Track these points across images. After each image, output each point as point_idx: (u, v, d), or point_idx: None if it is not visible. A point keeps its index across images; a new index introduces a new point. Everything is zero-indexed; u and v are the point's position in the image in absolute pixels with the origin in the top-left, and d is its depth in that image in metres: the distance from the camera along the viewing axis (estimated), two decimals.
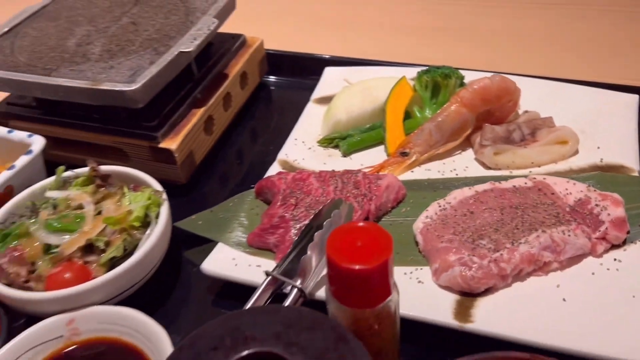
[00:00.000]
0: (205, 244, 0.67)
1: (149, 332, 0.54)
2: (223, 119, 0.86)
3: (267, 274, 0.58)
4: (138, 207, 0.63)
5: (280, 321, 0.44)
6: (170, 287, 0.67)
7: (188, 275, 0.68)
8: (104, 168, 0.69)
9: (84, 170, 0.69)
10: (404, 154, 0.74)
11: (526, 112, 0.79)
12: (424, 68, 0.83)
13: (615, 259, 0.60)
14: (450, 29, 1.12)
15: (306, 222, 0.63)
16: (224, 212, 0.70)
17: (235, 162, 0.85)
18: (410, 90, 0.81)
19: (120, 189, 0.67)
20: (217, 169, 0.83)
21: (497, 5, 1.18)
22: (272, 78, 1.01)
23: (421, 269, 0.61)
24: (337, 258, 0.43)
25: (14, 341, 0.55)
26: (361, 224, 0.47)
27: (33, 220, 0.62)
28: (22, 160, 0.70)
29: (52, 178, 0.69)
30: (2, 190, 0.68)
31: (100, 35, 0.80)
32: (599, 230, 0.60)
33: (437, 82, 0.80)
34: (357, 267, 0.42)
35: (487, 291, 0.58)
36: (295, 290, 0.55)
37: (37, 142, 0.73)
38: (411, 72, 0.85)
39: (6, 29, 0.83)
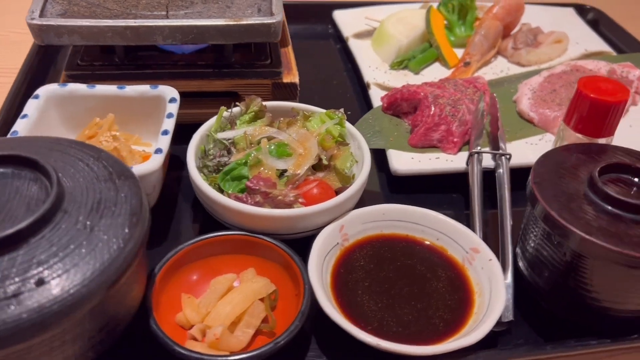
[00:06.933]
0: None
1: (416, 217, 0.61)
2: None
3: (472, 153, 0.69)
4: (332, 125, 0.67)
5: None
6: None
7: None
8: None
9: (237, 109, 0.69)
10: (467, 64, 0.90)
11: (523, 24, 1.02)
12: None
13: None
14: None
15: (461, 116, 0.75)
16: (368, 128, 0.77)
17: (321, 96, 0.88)
18: (441, 15, 0.97)
19: (294, 118, 0.69)
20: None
21: None
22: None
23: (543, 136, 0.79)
24: (587, 92, 0.59)
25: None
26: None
27: (252, 152, 0.61)
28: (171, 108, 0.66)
29: (211, 121, 0.67)
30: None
31: None
32: (632, 87, 0.86)
33: (464, 5, 0.97)
34: (604, 98, 0.59)
35: None
36: (503, 157, 0.68)
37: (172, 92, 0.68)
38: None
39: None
